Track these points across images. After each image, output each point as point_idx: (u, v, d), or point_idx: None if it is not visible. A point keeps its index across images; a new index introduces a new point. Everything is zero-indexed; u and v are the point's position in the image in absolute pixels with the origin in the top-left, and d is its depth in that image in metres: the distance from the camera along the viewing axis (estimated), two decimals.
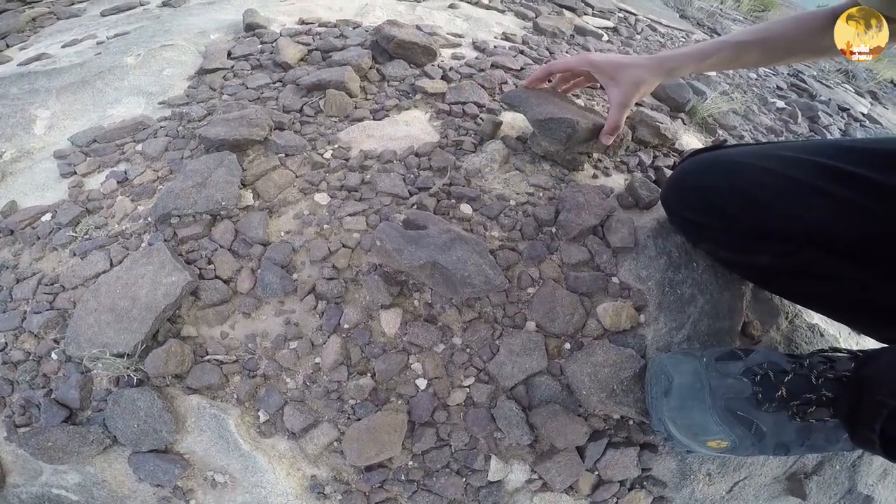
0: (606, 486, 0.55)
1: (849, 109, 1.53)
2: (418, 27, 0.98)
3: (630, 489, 0.56)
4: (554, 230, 0.63)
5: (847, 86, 1.87)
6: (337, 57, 0.85)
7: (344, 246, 0.59)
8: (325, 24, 1.00)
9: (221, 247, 0.60)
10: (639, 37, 1.35)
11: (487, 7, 1.22)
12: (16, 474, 0.56)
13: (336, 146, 0.72)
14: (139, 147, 0.77)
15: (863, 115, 1.60)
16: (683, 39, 1.53)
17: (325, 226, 0.61)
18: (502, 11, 1.23)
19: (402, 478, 0.51)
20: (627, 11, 1.53)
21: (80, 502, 0.54)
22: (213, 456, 0.53)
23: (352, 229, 0.60)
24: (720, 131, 0.99)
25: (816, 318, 0.69)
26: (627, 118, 0.68)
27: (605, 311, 0.58)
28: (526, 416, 0.53)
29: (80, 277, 0.61)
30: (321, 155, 0.71)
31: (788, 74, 1.63)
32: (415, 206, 0.62)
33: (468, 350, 0.55)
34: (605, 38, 1.24)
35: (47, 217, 0.69)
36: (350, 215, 0.62)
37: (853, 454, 0.66)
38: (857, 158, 0.49)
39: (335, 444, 0.51)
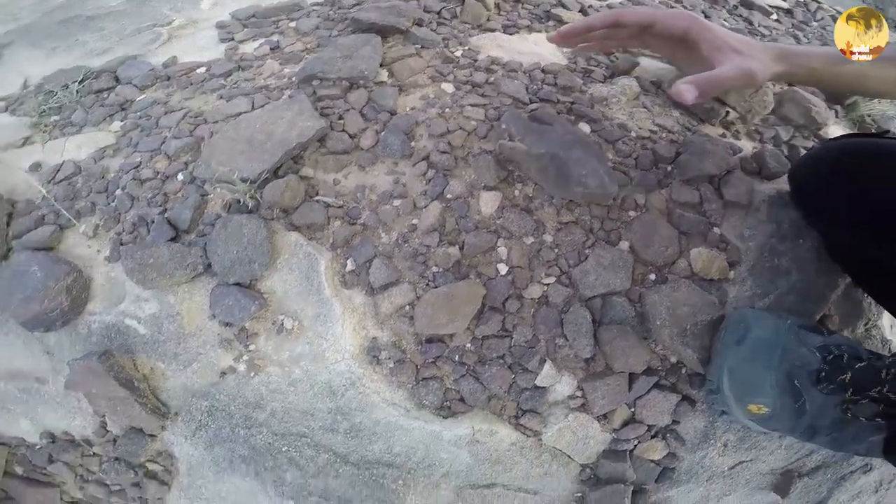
0: (635, 426, 0.54)
1: None
2: None
3: (653, 437, 0.56)
4: (669, 168, 0.61)
5: None
6: None
7: (461, 129, 0.61)
8: None
9: (354, 108, 0.65)
10: (815, 24, 1.21)
11: None
12: (98, 301, 0.57)
13: (466, 48, 0.75)
14: (293, 24, 0.85)
15: None
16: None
17: (447, 110, 0.64)
18: None
19: (456, 358, 0.52)
20: None
21: (147, 336, 0.56)
22: (292, 298, 0.54)
23: (471, 117, 0.63)
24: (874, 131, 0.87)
25: (891, 334, 0.62)
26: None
27: (698, 255, 0.56)
28: (594, 330, 0.53)
29: (223, 114, 0.67)
30: (452, 52, 0.74)
31: None
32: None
33: (556, 250, 0.55)
34: (774, 16, 1.12)
35: (202, 70, 0.78)
36: (471, 105, 0.64)
37: (850, 467, 0.64)
38: None
39: (408, 307, 0.53)
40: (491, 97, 0.66)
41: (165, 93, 0.76)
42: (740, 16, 1.04)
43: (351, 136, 0.63)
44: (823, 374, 0.46)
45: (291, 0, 0.90)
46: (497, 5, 0.85)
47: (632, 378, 0.53)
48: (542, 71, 0.71)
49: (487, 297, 0.53)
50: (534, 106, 0.64)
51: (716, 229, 0.58)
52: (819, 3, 1.31)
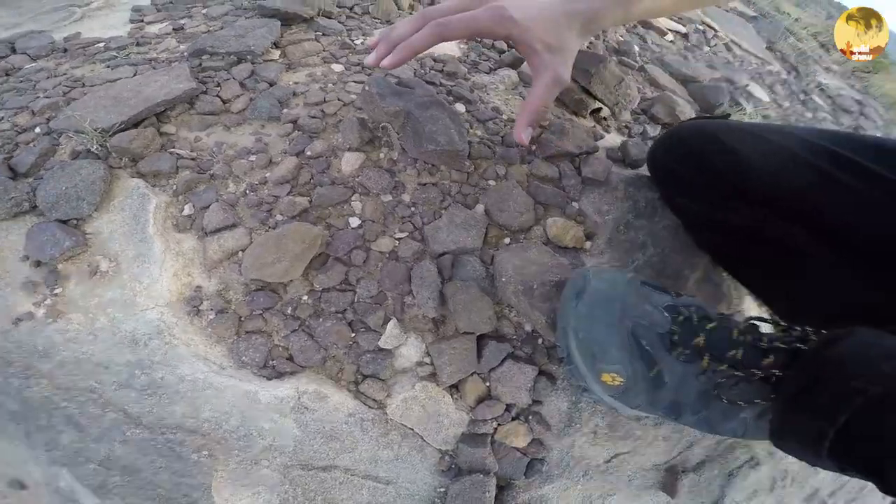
0: (492, 404, 0.50)
1: None
2: None
3: (514, 418, 0.51)
4: (534, 148, 0.63)
5: None
6: None
7: (338, 100, 0.62)
8: None
9: (234, 79, 0.66)
10: (707, 49, 1.35)
11: None
12: None
13: (368, 38, 0.78)
14: (204, 10, 0.87)
15: None
16: (755, 65, 1.50)
17: (330, 85, 0.65)
18: None
19: (289, 311, 0.48)
20: (709, 25, 1.53)
21: None
22: (115, 240, 0.50)
23: (351, 91, 0.64)
24: None
25: (756, 313, 0.64)
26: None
27: (553, 223, 0.57)
28: (441, 286, 0.51)
29: (102, 79, 0.66)
30: (352, 41, 0.77)
31: (851, 128, 1.53)
32: None
33: (413, 208, 0.55)
34: (670, 37, 1.24)
35: (101, 45, 0.78)
36: (355, 82, 0.66)
37: (735, 462, 0.61)
38: (860, 148, 0.46)
39: (240, 254, 0.50)
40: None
41: (56, 62, 0.75)
42: (637, 34, 1.15)
43: (224, 101, 0.63)
44: (676, 337, 0.42)
45: None
46: (411, 6, 0.90)
47: (480, 343, 0.51)
48: (434, 59, 0.75)
49: (332, 247, 0.51)
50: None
51: (574, 203, 0.60)
52: (715, 31, 1.47)
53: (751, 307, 0.65)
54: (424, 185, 0.56)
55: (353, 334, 0.49)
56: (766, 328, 0.43)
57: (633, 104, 0.71)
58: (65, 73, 0.70)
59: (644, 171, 0.66)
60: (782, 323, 0.44)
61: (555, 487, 0.53)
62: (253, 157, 0.56)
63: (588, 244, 0.58)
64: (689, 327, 0.42)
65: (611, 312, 0.43)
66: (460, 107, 0.66)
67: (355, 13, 0.84)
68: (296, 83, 0.67)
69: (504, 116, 0.67)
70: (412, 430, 0.50)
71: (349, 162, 0.56)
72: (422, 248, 0.53)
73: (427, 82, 0.69)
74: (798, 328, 0.42)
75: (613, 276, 0.46)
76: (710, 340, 0.41)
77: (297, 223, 0.50)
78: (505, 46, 0.82)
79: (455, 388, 0.51)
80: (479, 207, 0.56)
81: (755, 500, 0.63)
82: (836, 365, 0.35)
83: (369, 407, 0.49)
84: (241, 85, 0.65)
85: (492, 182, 0.58)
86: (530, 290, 0.51)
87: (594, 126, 0.72)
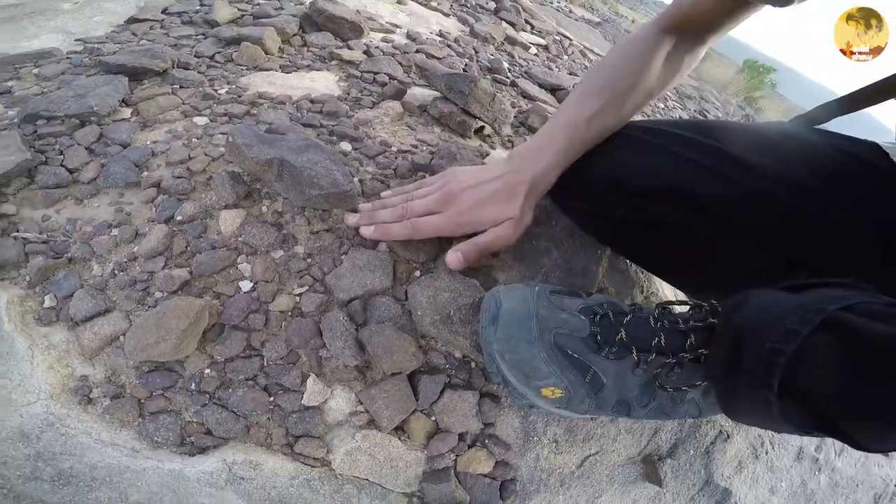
0: (444, 437, 0.49)
1: None
2: (357, 11, 1.04)
3: (471, 446, 0.51)
4: (427, 175, 0.64)
5: None
6: (269, 21, 0.89)
7: (205, 154, 0.58)
8: None
9: (79, 144, 0.58)
10: (566, 57, 1.47)
11: (434, 9, 1.33)
12: None
13: (233, 86, 0.73)
14: (36, 70, 0.76)
15: None
16: None
17: (194, 140, 0.60)
18: (447, 14, 1.33)
19: (192, 387, 0.45)
20: (564, 35, 1.69)
21: None
22: None
23: (219, 144, 0.59)
24: None
25: (669, 293, 0.70)
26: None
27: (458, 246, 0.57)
28: (357, 333, 0.49)
29: None
30: (215, 91, 0.72)
31: (696, 113, 1.79)
32: None
33: (309, 259, 0.52)
34: (534, 51, 1.34)
35: None
36: (222, 134, 0.61)
37: (706, 438, 0.64)
38: (694, 128, 0.53)
39: (121, 338, 0.45)
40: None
41: None
42: (505, 51, 1.22)
43: (70, 171, 0.55)
44: (599, 336, 0.42)
45: (43, 48, 0.82)
46: (281, 49, 0.87)
47: (414, 380, 0.50)
48: (311, 101, 0.72)
49: (225, 315, 0.47)
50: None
51: None
52: (570, 39, 1.62)
53: (663, 286, 0.71)
54: (317, 232, 0.54)
55: (272, 398, 0.46)
56: (680, 309, 0.46)
57: (509, 118, 0.75)
58: None
59: None
60: (691, 301, 0.45)
61: (536, 503, 0.53)
62: (115, 232, 0.50)
63: (495, 261, 0.59)
64: (607, 324, 0.43)
65: (529, 330, 0.43)
66: (346, 145, 0.65)
67: (217, 62, 0.79)
68: (154, 142, 0.60)
69: (394, 148, 0.67)
70: (367, 479, 0.47)
71: (228, 221, 0.52)
72: (326, 299, 0.50)
73: (305, 125, 0.66)
74: (705, 303, 0.43)
75: (523, 293, 0.46)
76: (631, 333, 0.42)
77: (178, 298, 0.45)
78: (387, 79, 0.83)
79: (401, 430, 0.49)
80: (382, 246, 0.55)
81: (745, 471, 0.65)
82: (747, 330, 0.36)
83: (311, 466, 0.46)
84: (89, 150, 0.58)
85: None
86: (448, 317, 0.50)
87: (480, 144, 0.75)
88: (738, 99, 2.94)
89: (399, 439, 0.49)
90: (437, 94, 0.80)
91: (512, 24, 1.48)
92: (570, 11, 2.52)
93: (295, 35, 0.89)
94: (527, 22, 1.57)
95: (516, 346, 0.43)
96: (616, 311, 0.44)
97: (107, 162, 0.56)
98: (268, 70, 0.79)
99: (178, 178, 0.54)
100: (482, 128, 0.76)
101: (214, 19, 0.89)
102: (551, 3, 2.50)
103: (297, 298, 0.50)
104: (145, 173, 0.55)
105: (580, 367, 0.42)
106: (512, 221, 0.52)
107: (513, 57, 1.21)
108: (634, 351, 0.42)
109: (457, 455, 0.50)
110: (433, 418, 0.50)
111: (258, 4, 0.99)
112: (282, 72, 0.80)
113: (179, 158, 0.57)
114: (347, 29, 0.92)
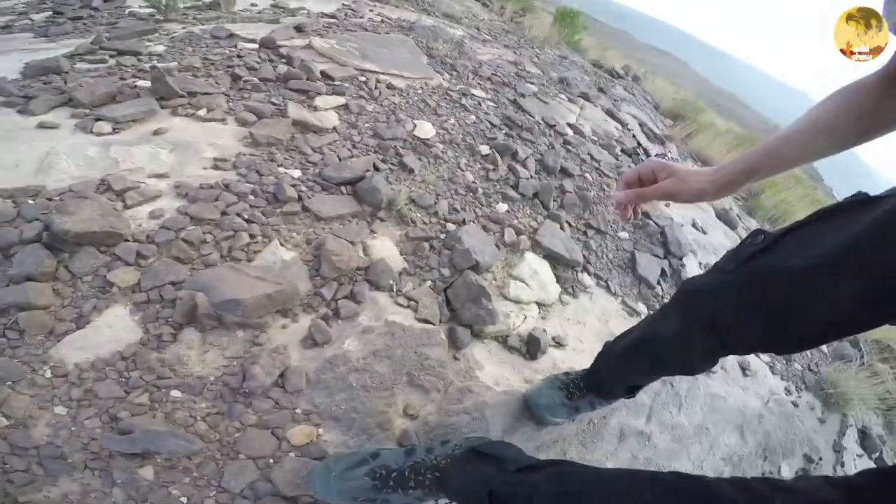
0: None
1: (555, 125, 1.90)
2: (100, 180, 0.98)
3: None
4: (245, 390, 0.78)
5: (562, 96, 2.28)
6: (16, 259, 0.83)
7: None
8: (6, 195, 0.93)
9: None
10: (373, 104, 1.49)
11: (204, 119, 1.24)
12: None
13: (52, 364, 0.78)
14: None
15: (569, 125, 2.00)
16: (421, 90, 1.71)
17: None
18: (222, 120, 1.26)
19: None
20: (370, 71, 1.66)
21: None
22: None
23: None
24: (418, 214, 1.20)
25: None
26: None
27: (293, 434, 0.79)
28: None
29: None
30: (42, 376, 0.77)
31: (509, 102, 1.94)
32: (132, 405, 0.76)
33: None
34: (332, 123, 1.35)
35: None
36: (87, 418, 0.74)
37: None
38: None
39: None
40: (97, 403, 0.76)
41: None
42: (296, 147, 1.23)
43: None
44: (378, 484, 0.72)
45: None
46: (56, 290, 0.83)
47: None
48: (123, 358, 0.81)
49: None
50: (130, 398, 0.77)
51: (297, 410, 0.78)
52: (376, 72, 1.60)
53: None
54: None
55: None
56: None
57: (299, 299, 0.87)
58: None
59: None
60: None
61: None
62: None
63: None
64: (383, 477, 0.73)
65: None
66: (176, 393, 0.77)
67: (14, 339, 0.79)
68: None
69: (211, 378, 0.80)
70: None
71: None
72: None
73: (133, 388, 0.74)
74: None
75: (323, 480, 0.74)
76: (396, 480, 0.73)
77: None
78: (174, 293, 0.87)
79: None
80: (242, 456, 0.71)
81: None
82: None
83: None
84: None
85: (237, 435, 0.73)
86: None
87: (284, 325, 0.87)
88: (558, 51, 3.04)
89: None
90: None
91: (305, 92, 1.42)
92: (383, 20, 2.34)
93: (57, 268, 0.85)
94: (323, 75, 1.50)
95: None
96: (389, 469, 0.74)
97: None
98: (65, 334, 0.81)
99: None
100: (282, 311, 0.88)
101: None
102: (361, 16, 2.30)
103: None
104: None
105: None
106: (680, 185, 0.63)
107: (305, 155, 1.22)
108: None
109: None
110: None
111: None
112: (77, 327, 0.82)
113: None
114: (104, 237, 0.89)
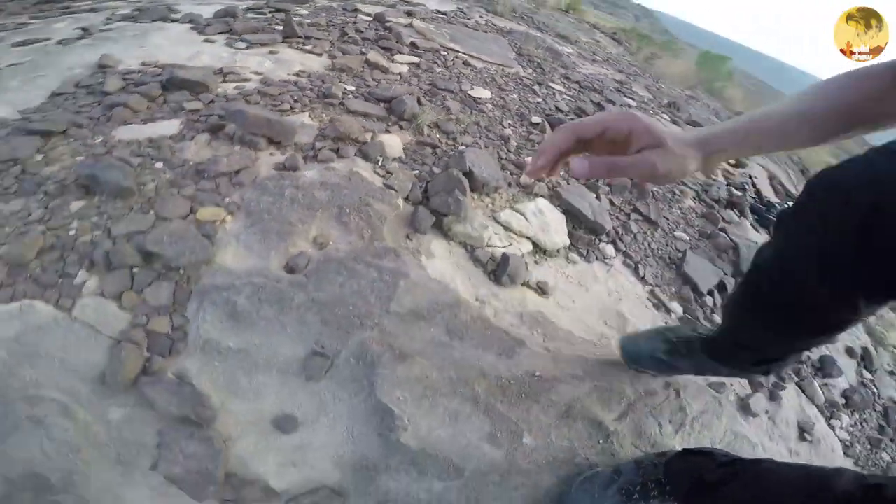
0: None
1: None
2: (218, 69, 1.34)
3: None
4: (205, 174, 0.94)
5: (665, 116, 2.17)
6: (140, 89, 1.22)
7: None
8: (158, 66, 1.37)
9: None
10: (442, 69, 1.70)
11: (307, 52, 1.60)
12: None
13: (105, 137, 1.06)
14: None
15: None
16: (494, 72, 1.86)
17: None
18: (319, 55, 1.61)
19: None
20: (452, 50, 1.91)
21: None
22: None
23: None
24: (436, 134, 1.30)
25: None
26: None
27: (204, 211, 0.88)
28: None
29: None
30: (95, 141, 1.05)
31: (591, 102, 1.95)
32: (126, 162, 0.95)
33: None
34: (399, 70, 1.59)
35: None
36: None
37: None
38: None
39: None
40: None
41: None
42: (359, 76, 1.48)
43: None
44: (625, 501, 0.69)
45: None
46: (148, 107, 1.18)
47: None
48: (150, 140, 1.04)
49: None
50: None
51: None
52: (456, 51, 1.82)
53: None
54: None
55: None
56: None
57: (294, 134, 1.04)
58: None
59: None
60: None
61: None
62: None
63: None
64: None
65: None
66: (158, 164, 0.96)
67: (101, 121, 1.12)
68: (53, 171, 0.94)
69: (191, 162, 0.97)
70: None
71: None
72: None
73: (135, 156, 0.97)
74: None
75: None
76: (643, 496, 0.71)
77: None
78: (216, 119, 1.12)
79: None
80: None
81: None
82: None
83: None
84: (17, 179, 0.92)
85: None
86: None
87: (271, 153, 1.04)
88: (691, 92, 2.98)
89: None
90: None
91: (389, 50, 1.73)
92: (487, 24, 2.69)
93: (160, 95, 1.21)
94: (411, 45, 1.81)
95: None
96: (633, 484, 0.71)
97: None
98: (131, 124, 1.11)
99: None
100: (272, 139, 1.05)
101: (106, 90, 1.23)
102: (469, 18, 2.70)
103: None
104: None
105: None
106: (661, 157, 0.46)
107: (364, 80, 1.47)
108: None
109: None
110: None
111: (142, 72, 1.32)
112: (142, 123, 1.11)
113: None
114: (197, 87, 1.24)
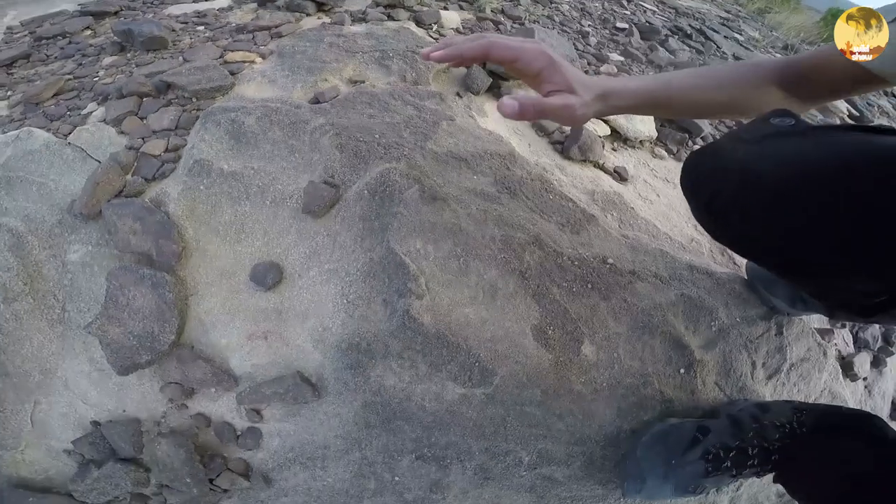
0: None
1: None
2: None
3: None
4: (243, 29, 0.85)
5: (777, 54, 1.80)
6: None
7: None
8: None
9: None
10: None
11: None
12: None
13: (160, 10, 1.05)
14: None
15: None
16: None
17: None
18: None
19: None
20: None
21: None
22: None
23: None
24: (500, 16, 1.12)
25: None
26: None
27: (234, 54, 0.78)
28: None
29: None
30: (145, 17, 1.03)
31: (691, 28, 1.65)
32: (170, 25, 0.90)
33: None
34: None
35: None
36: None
37: None
38: None
39: None
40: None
41: None
42: None
43: None
44: (710, 469, 0.53)
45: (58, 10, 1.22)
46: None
47: None
48: (197, 14, 0.99)
49: None
50: None
51: None
52: None
53: None
54: None
55: None
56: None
57: None
58: None
59: None
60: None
61: None
62: None
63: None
64: (718, 460, 0.54)
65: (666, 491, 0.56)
66: (201, 28, 0.89)
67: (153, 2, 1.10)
68: None
69: (233, 24, 0.89)
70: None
71: None
72: None
73: (185, 23, 0.92)
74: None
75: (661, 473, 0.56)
76: (735, 462, 0.53)
77: None
78: None
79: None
80: None
81: None
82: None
83: None
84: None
85: None
86: None
87: (319, 17, 0.93)
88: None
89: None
90: None
91: None
92: None
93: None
94: None
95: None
96: (726, 448, 0.54)
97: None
98: (182, 3, 1.09)
99: None
100: (323, 4, 0.95)
101: None
102: None
103: None
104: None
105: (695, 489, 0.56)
106: (579, 102, 0.48)
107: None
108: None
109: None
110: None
111: None
112: (193, 2, 1.08)
113: None
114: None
